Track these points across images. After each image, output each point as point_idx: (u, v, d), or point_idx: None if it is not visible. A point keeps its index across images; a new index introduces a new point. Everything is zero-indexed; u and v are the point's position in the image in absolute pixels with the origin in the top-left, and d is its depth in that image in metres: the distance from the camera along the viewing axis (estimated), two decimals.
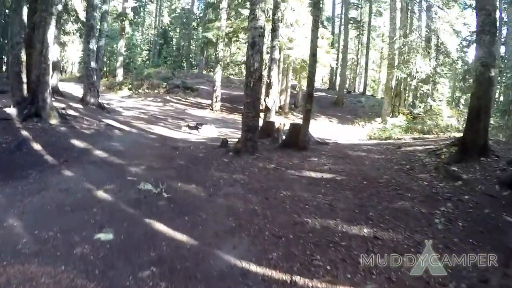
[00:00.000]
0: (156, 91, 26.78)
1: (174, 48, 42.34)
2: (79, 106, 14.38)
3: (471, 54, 30.24)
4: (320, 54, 19.73)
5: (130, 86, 26.96)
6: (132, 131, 11.26)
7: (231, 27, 20.54)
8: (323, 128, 21.97)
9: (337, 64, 30.53)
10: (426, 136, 13.08)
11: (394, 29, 25.39)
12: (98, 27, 15.52)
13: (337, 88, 34.35)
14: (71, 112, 12.53)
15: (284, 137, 9.84)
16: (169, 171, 6.74)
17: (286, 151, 8.63)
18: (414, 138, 12.56)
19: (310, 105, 8.97)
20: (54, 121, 10.33)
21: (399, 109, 24.96)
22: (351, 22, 32.65)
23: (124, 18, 29.31)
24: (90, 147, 8.56)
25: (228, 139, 9.68)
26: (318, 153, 8.65)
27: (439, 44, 26.25)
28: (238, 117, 21.20)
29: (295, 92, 25.74)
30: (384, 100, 25.86)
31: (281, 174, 6.77)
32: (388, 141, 12.15)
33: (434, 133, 13.71)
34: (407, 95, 26.17)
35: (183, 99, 24.61)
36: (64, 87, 20.23)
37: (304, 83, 21.67)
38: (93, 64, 14.53)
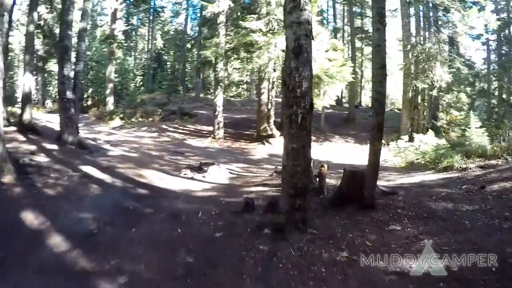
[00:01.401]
0: (150, 119, 23.73)
1: (169, 72, 39.49)
2: (54, 147, 11.24)
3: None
4: (335, 68, 16.88)
5: (122, 115, 23.91)
6: (116, 183, 8.13)
7: (230, 43, 17.66)
8: (341, 152, 18.98)
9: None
10: (496, 162, 9.98)
11: (408, 37, 22.72)
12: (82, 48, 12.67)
13: (344, 103, 31.95)
14: (39, 158, 9.41)
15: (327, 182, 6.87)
16: None
17: (344, 213, 5.63)
18: (482, 167, 9.47)
19: (379, 142, 5.93)
20: (7, 178, 7.22)
21: (418, 122, 22.21)
22: (357, 32, 29.89)
23: (113, 41, 26.47)
24: (48, 225, 5.46)
25: (248, 186, 6.70)
26: (393, 213, 5.65)
27: (457, 49, 23.89)
28: (245, 145, 18.17)
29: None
30: (402, 113, 23.07)
31: (366, 273, 3.74)
32: (457, 173, 9.07)
33: (503, 157, 10.55)
34: (425, 106, 23.26)
35: (180, 127, 21.59)
36: (50, 119, 17.54)
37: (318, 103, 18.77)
38: (69, 94, 11.44)
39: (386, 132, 23.83)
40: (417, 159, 13.72)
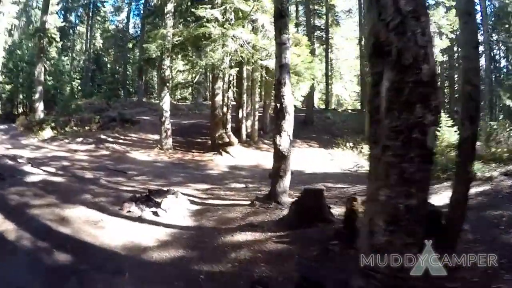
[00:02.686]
0: (87, 128, 19.80)
1: (109, 74, 35.15)
2: None
3: None
4: (304, 65, 14.44)
5: (53, 124, 19.74)
6: (22, 241, 4.75)
7: (180, 36, 14.58)
8: (309, 159, 16.56)
9: None
10: None
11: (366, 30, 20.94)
12: None
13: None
14: None
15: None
16: None
17: None
18: (507, 174, 7.35)
19: (471, 166, 3.29)
20: None
21: None
22: (313, 30, 27.83)
23: (42, 35, 22.03)
24: None
25: (229, 230, 4.20)
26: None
27: None
28: (199, 157, 15.08)
29: (261, 113, 20.25)
30: (366, 114, 21.16)
31: None
32: (486, 185, 6.75)
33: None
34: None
35: (121, 137, 18.00)
36: None
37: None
38: None
39: (348, 134, 22.06)
40: None
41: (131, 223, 5.70)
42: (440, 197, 6.12)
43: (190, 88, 33.13)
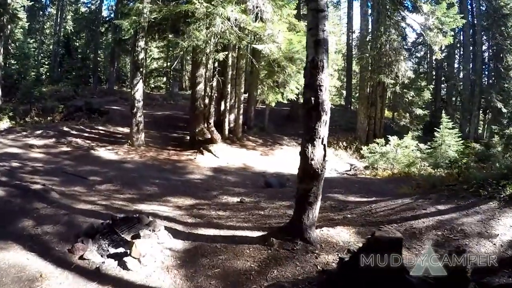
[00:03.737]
0: (50, 117, 17.05)
1: (78, 59, 31.68)
2: None
3: None
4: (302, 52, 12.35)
5: (12, 114, 16.87)
6: None
7: (159, 12, 12.05)
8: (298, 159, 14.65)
9: None
10: None
11: (367, 25, 19.15)
12: None
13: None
14: None
15: None
16: None
17: None
18: None
19: None
20: None
21: (375, 121, 18.98)
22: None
23: (2, 11, 18.86)
24: None
25: None
26: None
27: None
28: (176, 156, 12.69)
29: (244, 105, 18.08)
30: (358, 111, 19.66)
31: None
32: None
33: None
34: (383, 104, 20.04)
35: (87, 129, 15.32)
36: None
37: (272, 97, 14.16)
38: None
39: (333, 130, 20.18)
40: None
41: (85, 285, 3.44)
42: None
43: (165, 78, 30.48)
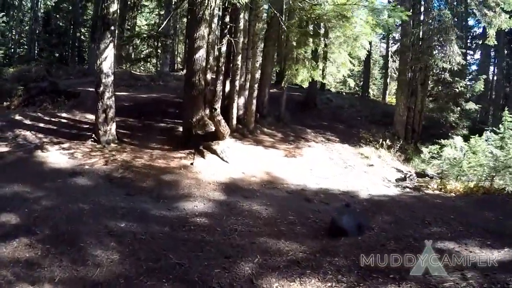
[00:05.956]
0: (6, 103, 12.25)
1: (55, 35, 26.58)
2: None
3: None
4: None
5: None
6: None
7: None
8: (340, 163, 10.05)
9: None
10: None
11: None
12: None
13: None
14: None
15: None
16: None
17: None
18: None
19: None
20: None
21: (415, 114, 14.89)
22: None
23: None
24: None
25: None
26: None
27: None
28: (162, 160, 7.31)
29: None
30: (397, 100, 15.19)
31: None
32: None
33: None
34: (424, 93, 15.59)
35: (46, 117, 10.32)
36: None
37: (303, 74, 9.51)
38: None
39: (360, 122, 15.70)
40: None
41: None
42: None
43: (154, 59, 25.10)
